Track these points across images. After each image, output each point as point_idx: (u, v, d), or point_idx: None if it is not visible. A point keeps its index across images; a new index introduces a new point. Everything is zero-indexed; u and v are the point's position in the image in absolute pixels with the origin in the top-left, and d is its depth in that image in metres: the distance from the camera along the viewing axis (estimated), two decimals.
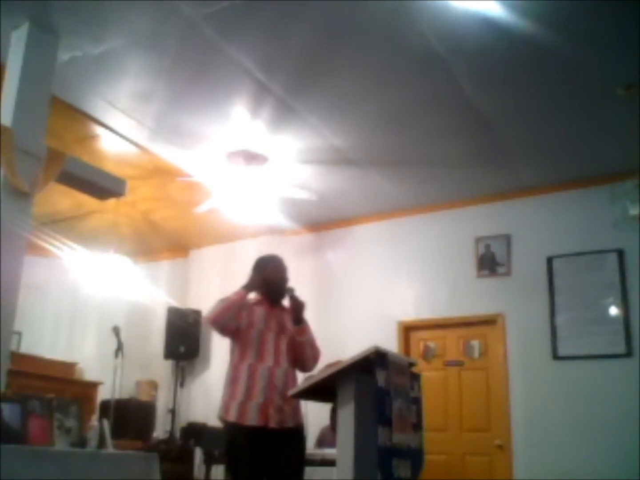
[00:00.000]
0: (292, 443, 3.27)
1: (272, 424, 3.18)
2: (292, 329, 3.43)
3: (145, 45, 3.91)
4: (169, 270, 7.72)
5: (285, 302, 3.51)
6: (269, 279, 3.46)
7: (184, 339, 6.82)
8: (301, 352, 3.42)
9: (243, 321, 3.34)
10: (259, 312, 3.41)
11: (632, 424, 4.69)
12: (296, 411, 3.32)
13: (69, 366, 6.67)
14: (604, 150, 4.94)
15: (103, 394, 6.26)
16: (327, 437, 5.13)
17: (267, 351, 3.32)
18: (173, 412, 6.68)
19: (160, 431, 6.62)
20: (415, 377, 3.03)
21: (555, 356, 5.20)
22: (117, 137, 5.07)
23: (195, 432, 5.88)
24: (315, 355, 3.48)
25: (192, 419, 6.42)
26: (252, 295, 3.50)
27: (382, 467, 2.54)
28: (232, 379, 3.31)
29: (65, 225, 6.57)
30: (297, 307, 3.43)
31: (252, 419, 3.18)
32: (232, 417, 3.22)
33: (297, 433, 3.31)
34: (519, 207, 5.71)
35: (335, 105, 4.53)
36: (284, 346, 3.37)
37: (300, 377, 3.52)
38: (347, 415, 2.67)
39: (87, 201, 5.35)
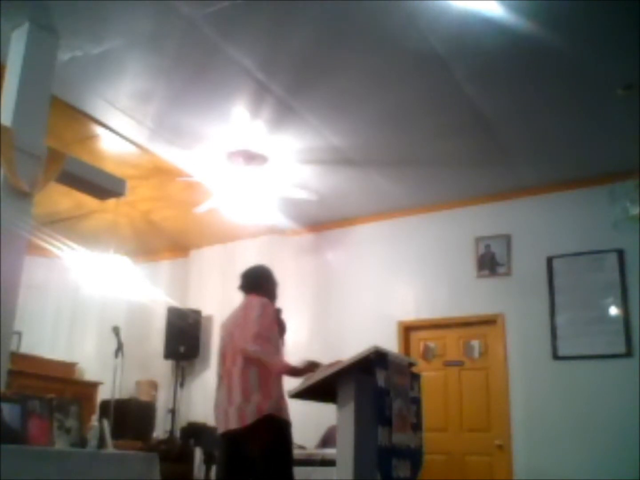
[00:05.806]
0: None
1: None
2: None
3: (145, 45, 3.91)
4: (169, 270, 7.72)
5: None
6: (274, 289, 3.69)
7: (184, 339, 6.82)
8: None
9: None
10: None
11: (632, 424, 4.69)
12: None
13: (69, 366, 6.66)
14: (604, 150, 4.94)
15: (103, 394, 6.25)
16: (333, 436, 5.12)
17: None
18: (173, 412, 6.68)
19: (160, 431, 6.62)
20: (415, 377, 3.04)
21: (555, 356, 5.20)
22: (117, 137, 5.06)
23: (195, 432, 5.89)
24: None
25: (192, 419, 6.42)
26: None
27: (382, 467, 2.54)
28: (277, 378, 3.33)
29: (65, 225, 6.57)
30: (283, 329, 3.56)
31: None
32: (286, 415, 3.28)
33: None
34: (519, 207, 5.71)
35: (335, 105, 4.53)
36: None
37: None
38: (347, 415, 2.67)
39: (87, 201, 5.34)
